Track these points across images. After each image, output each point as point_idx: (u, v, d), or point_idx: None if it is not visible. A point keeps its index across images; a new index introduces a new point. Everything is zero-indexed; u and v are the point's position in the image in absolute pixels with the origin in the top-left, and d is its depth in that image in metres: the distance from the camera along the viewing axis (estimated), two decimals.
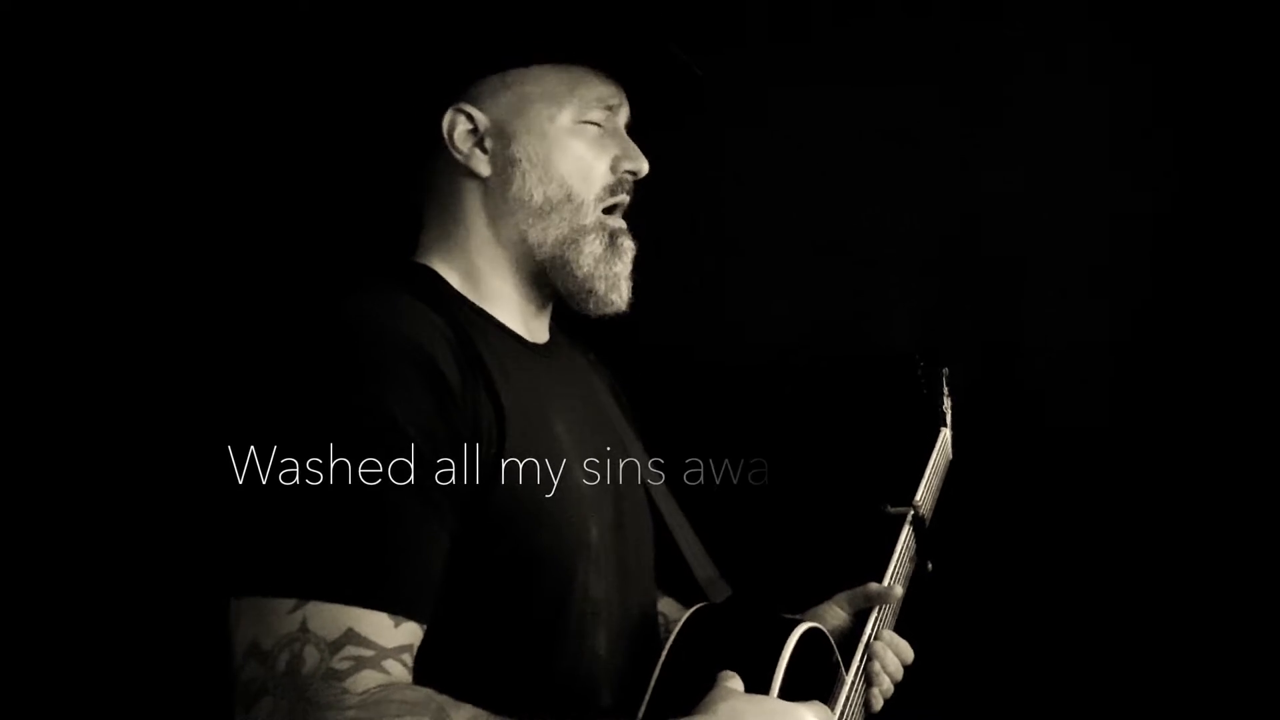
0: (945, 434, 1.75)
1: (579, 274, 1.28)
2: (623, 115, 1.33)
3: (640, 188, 1.34)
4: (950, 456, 1.77)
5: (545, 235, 1.27)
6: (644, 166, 1.32)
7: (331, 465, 1.01)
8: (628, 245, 1.32)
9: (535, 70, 1.28)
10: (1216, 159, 1.81)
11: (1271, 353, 1.79)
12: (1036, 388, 1.86)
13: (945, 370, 1.80)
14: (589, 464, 1.25)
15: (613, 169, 1.30)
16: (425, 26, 1.41)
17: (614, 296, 1.30)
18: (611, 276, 1.29)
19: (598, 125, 1.29)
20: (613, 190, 1.30)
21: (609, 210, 1.30)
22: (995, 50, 1.86)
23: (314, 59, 1.72)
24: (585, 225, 1.27)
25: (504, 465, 1.12)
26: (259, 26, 1.73)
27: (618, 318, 1.32)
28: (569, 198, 1.26)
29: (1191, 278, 1.82)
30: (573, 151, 1.27)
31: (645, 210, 1.35)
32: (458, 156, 1.27)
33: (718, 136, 1.87)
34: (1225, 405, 1.80)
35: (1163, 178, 1.83)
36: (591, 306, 1.30)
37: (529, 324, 1.32)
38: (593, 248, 1.28)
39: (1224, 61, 1.80)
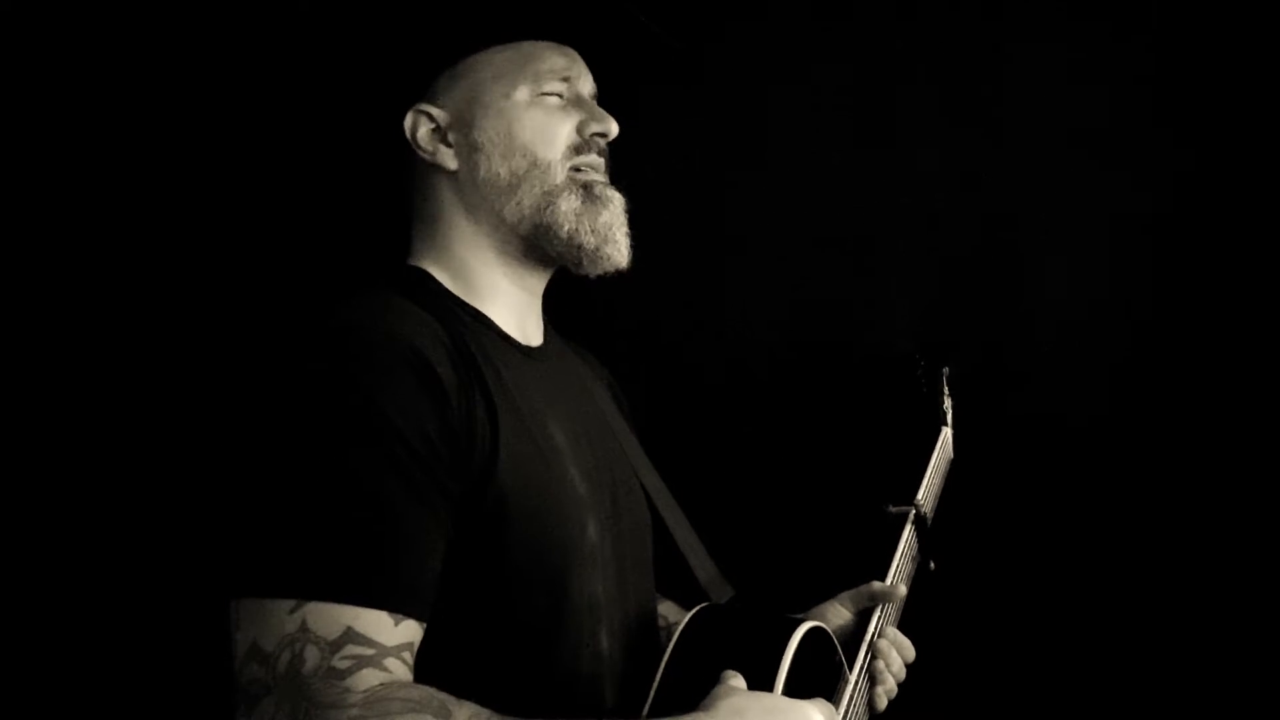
0: (946, 433, 1.75)
1: (563, 234, 1.26)
2: (584, 85, 1.32)
3: (638, 186, 1.34)
4: (951, 456, 1.77)
5: (521, 208, 1.26)
6: (612, 127, 1.30)
7: (329, 466, 1.01)
8: (610, 195, 1.30)
9: (484, 55, 1.28)
10: (1217, 156, 1.81)
11: (1273, 351, 1.79)
12: (1038, 387, 1.86)
13: (946, 369, 1.80)
14: (584, 464, 1.25)
15: (579, 132, 1.28)
16: (370, 37, 1.43)
17: (609, 250, 1.28)
18: (600, 229, 1.27)
19: (558, 96, 1.29)
20: (579, 149, 1.28)
21: (578, 169, 1.28)
22: (996, 47, 1.86)
23: (298, 72, 1.73)
24: (556, 185, 1.26)
25: (499, 466, 1.12)
26: (253, 37, 1.74)
27: (613, 316, 1.32)
28: (534, 164, 1.26)
29: (1193, 276, 1.82)
30: (533, 121, 1.26)
31: (643, 208, 1.34)
32: (425, 156, 1.28)
33: (715, 134, 1.88)
34: (1228, 404, 1.80)
35: (1164, 176, 1.83)
36: (588, 265, 1.28)
37: (523, 322, 1.32)
38: (569, 204, 1.26)
39: (1225, 57, 1.81)
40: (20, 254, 1.69)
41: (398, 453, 1.03)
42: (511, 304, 1.30)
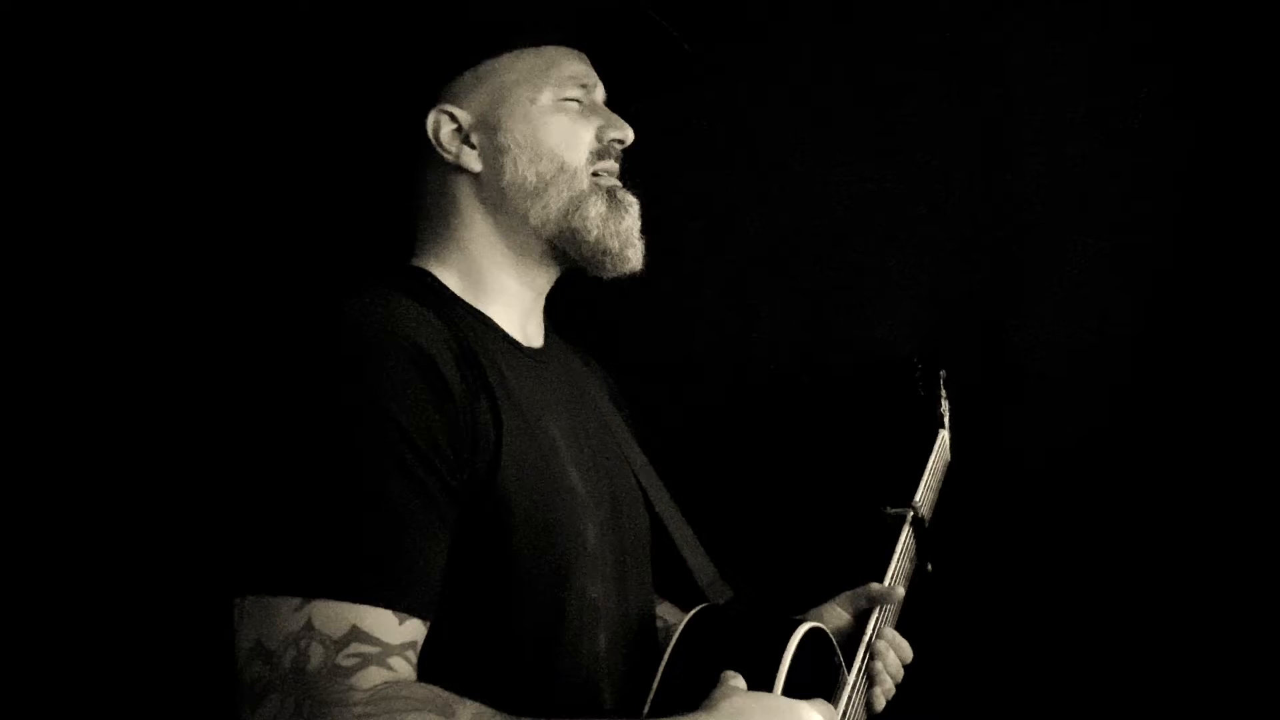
0: (943, 436, 1.75)
1: (590, 238, 1.29)
2: (599, 91, 1.35)
3: (637, 188, 1.34)
4: (949, 458, 1.77)
5: (547, 212, 1.28)
6: (629, 134, 1.33)
7: (333, 464, 1.01)
8: (629, 200, 1.33)
9: (508, 58, 1.29)
10: (1220, 160, 1.81)
11: (1274, 357, 1.79)
12: (1036, 389, 1.86)
13: (943, 372, 1.80)
14: (584, 466, 1.26)
15: (598, 138, 1.31)
16: (394, 35, 1.43)
17: (629, 253, 1.31)
18: (623, 233, 1.30)
19: (577, 102, 1.31)
20: (600, 155, 1.31)
21: (599, 174, 1.31)
22: (996, 47, 1.87)
23: (305, 70, 1.73)
24: (583, 190, 1.28)
25: (501, 465, 1.12)
26: (258, 36, 1.73)
27: (613, 319, 1.32)
28: (561, 169, 1.28)
29: (1193, 278, 1.82)
30: (557, 126, 1.28)
31: (643, 210, 1.35)
32: (447, 157, 1.28)
33: (714, 135, 1.88)
34: (1228, 409, 1.80)
35: (1165, 177, 1.84)
36: (610, 267, 1.31)
37: (525, 324, 1.33)
38: (597, 209, 1.29)
39: (1226, 58, 1.81)
40: (23, 252, 1.68)
41: (402, 451, 1.03)
42: (516, 305, 1.31)
